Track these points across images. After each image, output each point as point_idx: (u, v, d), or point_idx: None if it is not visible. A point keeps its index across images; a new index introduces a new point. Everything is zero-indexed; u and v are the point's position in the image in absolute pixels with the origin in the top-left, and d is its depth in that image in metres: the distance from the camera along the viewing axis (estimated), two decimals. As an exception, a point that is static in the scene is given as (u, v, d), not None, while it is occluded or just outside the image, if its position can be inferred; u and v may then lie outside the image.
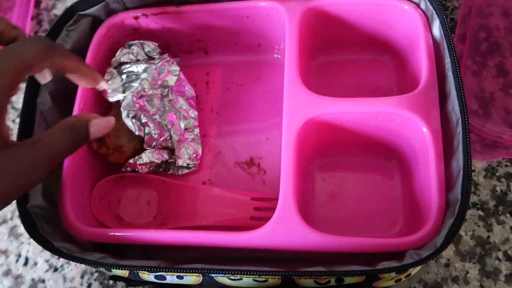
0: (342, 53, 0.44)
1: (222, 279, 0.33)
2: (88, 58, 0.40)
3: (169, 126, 0.40)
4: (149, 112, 0.39)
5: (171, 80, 0.40)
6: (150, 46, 0.42)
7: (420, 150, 0.35)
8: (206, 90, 0.45)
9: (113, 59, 0.40)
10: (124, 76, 0.39)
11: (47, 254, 0.44)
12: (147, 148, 0.39)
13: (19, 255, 0.44)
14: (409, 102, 0.34)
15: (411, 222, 0.37)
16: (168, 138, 0.40)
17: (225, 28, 0.43)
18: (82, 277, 0.43)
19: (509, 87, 0.41)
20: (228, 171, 0.42)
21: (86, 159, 0.38)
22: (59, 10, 0.56)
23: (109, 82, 0.39)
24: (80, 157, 0.37)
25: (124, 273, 0.34)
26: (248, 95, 0.45)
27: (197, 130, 0.42)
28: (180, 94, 0.41)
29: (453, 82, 0.33)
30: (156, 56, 0.42)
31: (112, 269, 0.34)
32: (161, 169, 0.41)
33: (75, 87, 0.39)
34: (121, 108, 0.38)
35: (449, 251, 0.39)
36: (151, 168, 0.40)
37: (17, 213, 0.45)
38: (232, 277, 0.32)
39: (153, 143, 0.39)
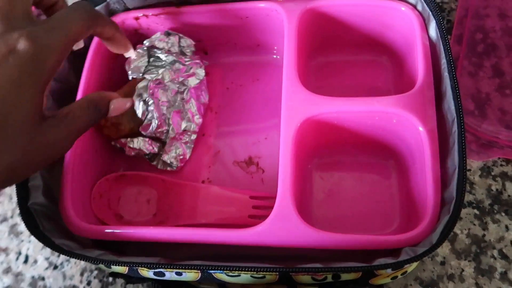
0: (340, 54, 0.45)
1: (221, 275, 0.33)
2: (89, 58, 0.40)
3: (170, 122, 0.40)
4: (159, 100, 0.39)
5: (193, 81, 0.41)
6: (187, 42, 0.42)
7: (416, 149, 0.35)
8: (205, 90, 0.46)
9: (147, 40, 0.41)
10: (151, 59, 0.40)
11: (47, 252, 0.44)
12: (142, 132, 0.40)
13: (19, 253, 0.45)
14: (405, 101, 0.35)
15: (407, 220, 0.37)
16: (165, 131, 0.41)
17: (225, 28, 0.43)
18: (81, 274, 0.43)
19: (505, 87, 0.42)
20: (227, 170, 0.42)
21: (86, 157, 0.39)
22: (60, 11, 0.56)
23: (135, 58, 0.40)
24: (81, 155, 0.38)
25: (124, 269, 0.35)
26: (247, 95, 0.45)
27: (194, 136, 0.42)
28: (194, 97, 0.42)
29: (449, 82, 0.34)
30: (189, 54, 0.42)
31: (111, 266, 0.34)
32: (147, 157, 0.42)
33: (76, 86, 0.39)
34: (136, 87, 0.38)
35: (445, 249, 0.39)
36: (138, 155, 0.41)
37: (17, 212, 0.46)
38: (230, 274, 0.33)
39: (149, 131, 0.40)
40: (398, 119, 0.35)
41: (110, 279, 0.42)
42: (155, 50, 0.41)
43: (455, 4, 0.49)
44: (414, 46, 0.37)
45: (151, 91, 0.38)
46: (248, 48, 0.45)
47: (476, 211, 0.41)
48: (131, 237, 0.35)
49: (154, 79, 0.39)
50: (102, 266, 0.36)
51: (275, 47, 0.45)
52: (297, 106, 0.36)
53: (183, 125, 0.41)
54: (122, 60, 0.40)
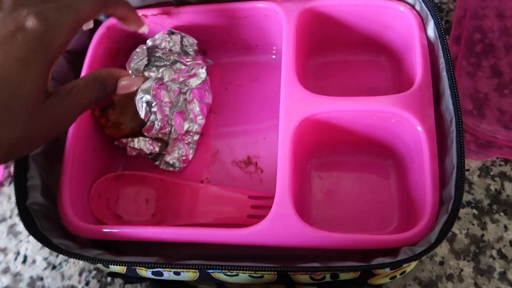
0: (339, 54, 0.45)
1: (219, 275, 0.33)
2: (88, 58, 0.40)
3: (173, 123, 0.40)
4: (162, 101, 0.39)
5: (194, 82, 0.41)
6: (189, 41, 0.42)
7: (414, 149, 0.35)
8: (204, 90, 0.46)
9: (150, 39, 0.41)
10: (152, 59, 0.40)
11: (45, 252, 0.44)
12: (144, 133, 0.40)
13: (18, 253, 0.45)
14: (404, 101, 0.35)
15: (406, 220, 0.37)
16: (167, 132, 0.41)
17: (224, 29, 0.43)
18: (80, 274, 0.43)
19: (503, 87, 0.42)
20: (225, 170, 0.42)
21: (85, 157, 0.39)
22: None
23: (135, 58, 0.40)
24: (79, 155, 0.38)
25: (122, 269, 0.35)
26: (246, 95, 0.45)
27: (196, 137, 0.42)
28: (198, 98, 0.42)
29: (447, 82, 0.34)
30: (191, 53, 0.42)
31: (109, 266, 0.34)
32: (149, 157, 0.42)
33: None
34: (139, 89, 0.38)
35: (444, 249, 0.39)
36: (140, 155, 0.41)
37: (16, 212, 0.46)
38: (229, 273, 0.33)
39: (151, 132, 0.40)
40: (396, 118, 0.35)
41: (109, 279, 0.42)
42: (157, 50, 0.41)
43: (454, 4, 0.49)
44: (413, 46, 0.37)
45: (154, 92, 0.38)
46: (247, 48, 0.46)
47: (475, 211, 0.41)
48: (129, 236, 0.35)
49: (156, 80, 0.39)
50: (100, 266, 0.36)
51: (274, 47, 0.45)
52: (295, 105, 0.36)
53: (186, 126, 0.41)
54: (121, 60, 0.41)
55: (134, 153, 0.41)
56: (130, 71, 0.39)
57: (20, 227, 0.46)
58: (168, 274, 0.34)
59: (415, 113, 0.34)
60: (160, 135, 0.40)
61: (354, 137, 0.39)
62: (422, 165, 0.33)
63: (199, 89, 0.42)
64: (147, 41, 0.41)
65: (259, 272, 0.31)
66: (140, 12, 0.42)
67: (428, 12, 0.37)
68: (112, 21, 0.42)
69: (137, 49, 0.40)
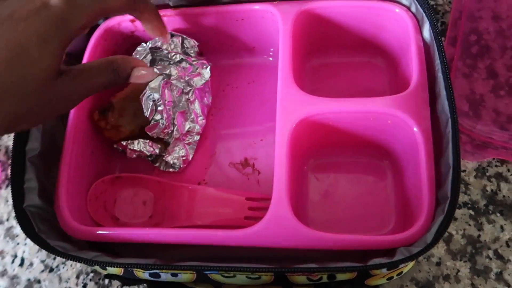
0: (335, 56, 0.45)
1: (216, 276, 0.33)
2: (85, 60, 0.40)
3: (175, 122, 0.40)
4: (165, 100, 0.39)
5: (198, 82, 0.41)
6: (190, 43, 0.42)
7: (411, 150, 0.35)
8: (201, 92, 0.46)
9: (151, 41, 0.41)
10: (157, 59, 0.40)
11: (43, 254, 0.44)
12: (147, 132, 0.40)
13: (15, 256, 0.45)
14: (400, 102, 0.35)
15: (403, 221, 0.37)
16: (170, 132, 0.41)
17: (220, 31, 0.43)
18: (77, 277, 0.43)
19: (499, 89, 0.42)
20: (223, 172, 0.42)
21: (82, 159, 0.39)
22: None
23: (137, 56, 0.40)
24: (77, 157, 0.38)
25: (119, 271, 0.35)
26: (243, 97, 0.45)
27: (197, 137, 0.42)
28: (199, 98, 0.42)
29: (443, 83, 0.34)
30: (193, 54, 0.42)
31: (107, 267, 0.34)
32: (149, 159, 0.42)
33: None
34: (148, 87, 0.38)
35: (441, 250, 0.39)
36: (140, 157, 0.41)
37: (13, 214, 0.46)
38: (226, 274, 0.33)
39: (154, 131, 0.39)
40: (392, 119, 0.35)
41: (106, 281, 0.42)
42: (158, 51, 0.41)
43: (449, 6, 0.50)
44: (409, 48, 0.38)
45: (161, 90, 0.38)
46: (244, 50, 0.46)
47: (471, 211, 0.41)
48: (126, 238, 0.35)
49: (164, 77, 0.39)
50: (97, 268, 0.36)
51: (271, 49, 0.45)
52: (292, 107, 0.36)
53: (187, 126, 0.41)
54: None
55: (134, 155, 0.41)
56: None
57: (17, 229, 0.46)
58: (165, 276, 0.34)
59: (411, 114, 0.34)
60: (162, 135, 0.40)
61: (351, 138, 0.39)
62: (418, 166, 0.33)
63: (200, 90, 0.42)
64: (147, 43, 0.41)
65: (256, 273, 0.31)
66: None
67: (424, 14, 0.37)
68: (109, 23, 0.42)
69: (138, 48, 0.40)
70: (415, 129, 0.34)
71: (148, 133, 0.40)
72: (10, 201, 0.46)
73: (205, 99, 0.43)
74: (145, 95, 0.38)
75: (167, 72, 0.39)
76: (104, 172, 0.42)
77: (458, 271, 0.39)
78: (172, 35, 0.42)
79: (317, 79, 0.44)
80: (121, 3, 0.30)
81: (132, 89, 0.40)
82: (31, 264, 0.44)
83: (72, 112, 0.38)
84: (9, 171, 0.36)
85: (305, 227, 0.32)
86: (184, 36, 0.42)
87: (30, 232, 0.34)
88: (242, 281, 0.34)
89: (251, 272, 0.31)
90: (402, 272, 0.35)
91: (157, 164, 0.42)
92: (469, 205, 0.41)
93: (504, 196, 0.41)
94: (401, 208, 0.38)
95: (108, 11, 0.30)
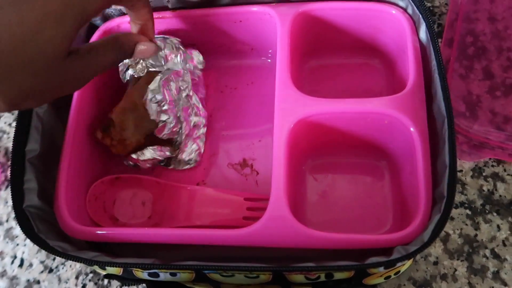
0: (333, 57, 0.45)
1: (215, 276, 0.33)
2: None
3: (182, 119, 0.41)
4: (167, 100, 0.39)
5: (196, 64, 0.42)
6: (173, 41, 0.42)
7: (408, 150, 0.35)
8: (200, 93, 0.46)
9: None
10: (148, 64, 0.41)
11: (42, 255, 0.45)
12: (158, 135, 0.40)
13: (15, 257, 0.45)
14: (397, 102, 0.35)
15: (400, 221, 0.37)
16: (178, 130, 0.41)
17: (219, 32, 0.44)
18: (77, 277, 0.43)
19: (495, 89, 0.42)
20: (221, 173, 0.42)
21: (81, 160, 0.39)
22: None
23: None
24: (76, 157, 0.38)
25: (118, 271, 0.35)
26: (242, 98, 0.45)
27: (204, 129, 0.43)
28: (196, 92, 0.42)
29: (439, 84, 0.34)
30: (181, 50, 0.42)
31: (106, 267, 0.34)
32: (162, 164, 0.42)
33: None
34: (148, 89, 0.38)
35: (438, 249, 0.40)
36: (154, 164, 0.41)
37: (12, 215, 0.46)
38: (224, 274, 0.33)
39: (164, 132, 0.40)
40: (389, 120, 0.36)
41: (105, 282, 0.42)
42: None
43: (446, 8, 0.50)
44: (405, 49, 0.38)
45: (162, 89, 0.38)
46: (242, 51, 0.46)
47: (468, 211, 0.41)
48: (125, 238, 0.35)
49: (162, 77, 0.39)
50: (97, 268, 0.36)
51: (269, 51, 0.46)
52: (290, 107, 0.36)
53: (193, 120, 0.42)
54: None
55: (147, 165, 0.41)
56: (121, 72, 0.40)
57: (17, 230, 0.46)
58: (164, 275, 0.34)
59: (408, 114, 0.35)
60: (171, 135, 0.40)
61: (349, 139, 0.39)
62: (415, 166, 0.34)
63: (195, 84, 0.42)
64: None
65: (254, 272, 0.32)
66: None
67: (420, 15, 0.37)
68: (108, 25, 0.42)
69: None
70: (411, 129, 0.35)
71: (158, 135, 0.40)
72: (10, 202, 0.46)
73: (199, 92, 0.43)
74: (147, 98, 0.38)
75: (169, 73, 0.39)
76: (103, 172, 0.42)
77: (455, 270, 0.39)
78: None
79: (315, 80, 0.45)
80: None
81: (127, 101, 0.40)
82: (30, 265, 0.44)
83: (71, 113, 0.39)
84: (8, 173, 0.36)
85: (303, 226, 0.32)
86: (166, 36, 0.42)
87: (29, 232, 0.34)
88: (240, 281, 0.34)
89: (250, 271, 0.32)
90: (399, 271, 0.35)
91: (171, 166, 0.42)
92: (466, 205, 0.41)
93: (500, 195, 0.41)
94: (399, 208, 0.38)
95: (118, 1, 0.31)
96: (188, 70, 0.42)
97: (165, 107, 0.39)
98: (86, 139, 0.40)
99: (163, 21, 0.42)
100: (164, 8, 0.42)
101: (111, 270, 0.35)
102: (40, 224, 0.35)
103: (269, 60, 0.46)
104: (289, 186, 0.35)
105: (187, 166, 0.42)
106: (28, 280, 0.44)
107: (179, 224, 0.39)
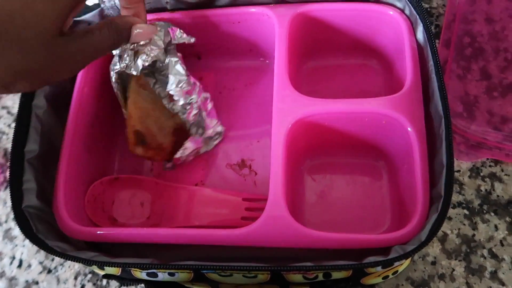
0: (331, 58, 0.45)
1: (213, 275, 0.34)
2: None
3: (196, 100, 0.40)
4: (185, 80, 0.39)
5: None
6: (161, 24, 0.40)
7: (405, 150, 0.36)
8: (198, 94, 0.46)
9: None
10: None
11: (41, 256, 0.45)
12: (187, 119, 0.40)
13: (13, 258, 0.45)
14: (394, 102, 0.35)
15: (398, 220, 0.37)
16: (197, 113, 0.40)
17: (217, 33, 0.44)
18: (75, 278, 0.43)
19: (493, 90, 0.42)
20: (220, 173, 0.43)
21: (80, 160, 0.39)
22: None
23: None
24: (75, 158, 0.38)
25: (117, 271, 0.35)
26: (240, 99, 0.46)
27: (211, 104, 0.42)
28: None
29: (436, 84, 0.35)
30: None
31: (104, 267, 0.34)
32: (201, 151, 0.43)
33: (71, 90, 0.40)
34: (173, 78, 0.38)
35: (436, 249, 0.40)
36: (198, 154, 0.42)
37: (11, 216, 0.46)
38: (223, 274, 0.33)
39: (193, 113, 0.40)
40: (387, 120, 0.36)
41: (104, 282, 0.42)
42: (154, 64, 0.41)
43: (443, 9, 0.50)
44: (403, 50, 0.38)
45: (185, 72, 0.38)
46: (241, 52, 0.46)
47: (465, 211, 0.41)
48: (124, 238, 0.35)
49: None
50: (95, 268, 0.36)
51: (267, 51, 0.46)
52: (287, 108, 0.36)
53: (202, 96, 0.41)
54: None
55: (192, 158, 0.42)
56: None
57: (16, 231, 0.46)
58: (162, 275, 0.34)
59: (405, 114, 0.35)
60: (197, 116, 0.40)
61: (346, 139, 0.39)
62: (413, 165, 0.34)
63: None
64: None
65: (252, 272, 0.32)
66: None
67: (417, 16, 0.38)
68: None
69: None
70: (409, 129, 0.35)
71: (189, 119, 0.40)
72: (9, 203, 0.46)
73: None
74: (173, 84, 0.38)
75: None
76: (102, 173, 0.42)
77: (453, 270, 0.39)
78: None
79: (313, 81, 0.45)
80: None
81: (137, 110, 0.39)
82: (29, 266, 0.44)
83: (71, 113, 0.39)
84: (7, 173, 0.36)
85: (300, 226, 0.33)
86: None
87: (28, 232, 0.34)
88: (238, 280, 0.34)
89: (248, 271, 0.32)
90: (397, 271, 0.35)
91: (203, 150, 0.43)
92: (464, 205, 0.41)
93: (498, 195, 0.41)
94: (396, 208, 0.38)
95: None
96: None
97: (186, 88, 0.39)
98: (85, 140, 0.40)
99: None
100: (163, 9, 0.43)
101: (109, 270, 0.35)
102: (39, 224, 0.35)
103: (268, 61, 0.46)
104: (287, 186, 0.35)
105: (217, 141, 0.42)
106: (26, 281, 0.44)
107: (177, 224, 0.39)
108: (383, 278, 0.35)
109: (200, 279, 0.34)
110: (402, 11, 0.40)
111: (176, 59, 0.39)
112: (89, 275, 0.43)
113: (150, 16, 0.42)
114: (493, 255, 0.39)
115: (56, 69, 0.28)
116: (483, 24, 0.45)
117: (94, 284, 0.42)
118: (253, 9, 0.41)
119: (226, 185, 0.42)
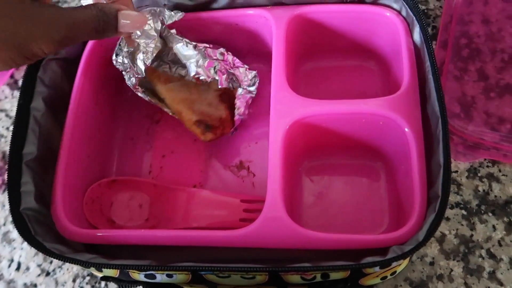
0: (328, 59, 0.46)
1: (211, 277, 0.34)
2: (81, 65, 0.41)
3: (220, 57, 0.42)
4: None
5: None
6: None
7: (402, 150, 0.36)
8: (197, 96, 0.46)
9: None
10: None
11: (39, 259, 0.45)
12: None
13: (12, 260, 0.45)
14: (392, 103, 0.36)
15: (396, 221, 0.37)
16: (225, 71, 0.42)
17: (216, 35, 0.44)
18: (74, 281, 0.43)
19: (490, 91, 0.43)
20: (218, 175, 0.43)
21: (78, 162, 0.39)
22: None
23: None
24: (73, 160, 0.38)
25: (115, 273, 0.35)
26: (238, 100, 0.46)
27: (231, 56, 0.43)
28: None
29: (433, 85, 0.35)
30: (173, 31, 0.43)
31: (103, 269, 0.34)
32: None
33: (69, 92, 0.40)
34: (188, 66, 0.39)
35: (434, 250, 0.40)
36: (250, 107, 0.43)
37: (10, 219, 0.46)
38: (221, 275, 0.33)
39: (224, 78, 0.41)
40: (384, 120, 0.36)
41: (102, 284, 0.42)
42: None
43: (440, 11, 0.50)
44: (400, 51, 0.38)
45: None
46: (239, 54, 0.46)
47: (463, 211, 0.41)
48: (122, 240, 0.35)
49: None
50: (94, 270, 0.36)
51: (265, 54, 0.46)
52: (285, 109, 0.37)
53: (217, 54, 0.42)
54: (115, 67, 0.41)
55: (247, 111, 0.42)
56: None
57: (14, 234, 0.46)
58: (160, 277, 0.34)
59: (402, 115, 0.35)
60: (231, 75, 0.42)
61: (344, 140, 0.39)
62: (410, 166, 0.34)
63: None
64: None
65: (250, 273, 0.32)
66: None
67: (414, 17, 0.38)
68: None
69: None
70: (406, 129, 0.35)
71: (223, 85, 0.41)
72: (7, 206, 0.46)
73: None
74: (193, 69, 0.39)
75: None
76: (101, 175, 0.42)
77: (452, 270, 0.39)
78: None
79: (310, 82, 0.45)
80: None
81: (182, 103, 0.41)
82: (27, 268, 0.44)
83: (69, 115, 0.39)
84: (5, 176, 0.36)
85: (299, 227, 0.33)
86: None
87: (26, 235, 0.34)
88: (236, 281, 0.34)
89: (246, 272, 0.32)
90: (395, 271, 0.35)
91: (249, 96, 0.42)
92: (462, 205, 0.41)
93: (495, 196, 0.42)
94: (394, 208, 0.38)
95: None
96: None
97: (204, 62, 0.40)
98: (83, 142, 0.40)
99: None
100: (161, 12, 0.43)
101: (107, 272, 0.35)
102: (37, 227, 0.35)
103: (265, 63, 0.46)
104: (285, 187, 0.35)
105: (256, 84, 0.42)
106: (25, 284, 0.44)
107: (176, 226, 0.39)
108: (381, 279, 0.35)
109: (198, 280, 0.34)
110: (399, 12, 0.40)
111: (179, 44, 0.39)
112: (88, 278, 0.43)
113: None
114: (491, 255, 0.39)
115: (28, 31, 0.27)
116: (480, 25, 0.46)
117: (92, 287, 0.42)
118: (250, 11, 0.41)
119: (224, 187, 0.42)
